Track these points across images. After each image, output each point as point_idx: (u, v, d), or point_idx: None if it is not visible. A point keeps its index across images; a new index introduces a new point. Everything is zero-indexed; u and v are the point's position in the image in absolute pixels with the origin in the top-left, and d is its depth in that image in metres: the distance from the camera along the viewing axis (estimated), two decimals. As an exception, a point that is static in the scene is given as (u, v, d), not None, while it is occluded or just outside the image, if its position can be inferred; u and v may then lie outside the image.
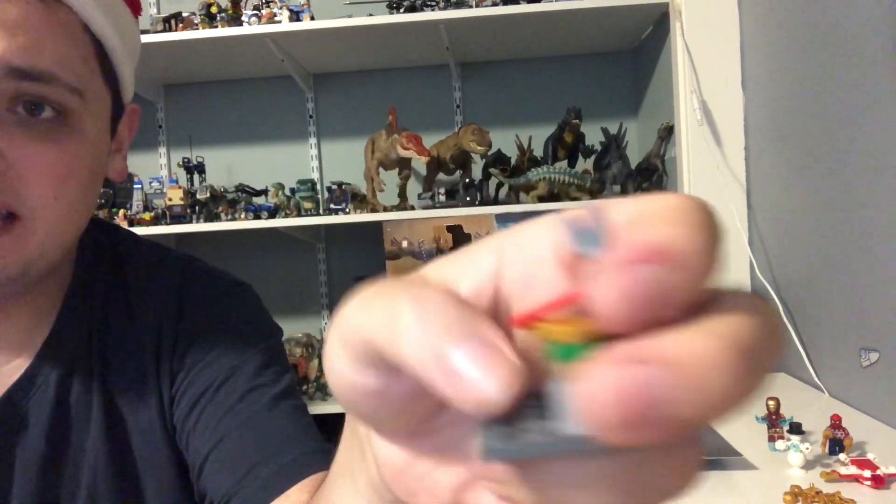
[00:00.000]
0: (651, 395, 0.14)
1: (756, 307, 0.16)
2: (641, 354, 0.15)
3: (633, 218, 0.16)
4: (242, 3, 1.77)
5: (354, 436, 0.26)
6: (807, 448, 0.77)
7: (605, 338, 0.16)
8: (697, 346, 0.15)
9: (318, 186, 2.01)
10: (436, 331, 0.17)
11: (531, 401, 0.17)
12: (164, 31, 1.71)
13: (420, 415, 0.21)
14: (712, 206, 0.17)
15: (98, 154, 0.56)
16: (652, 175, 1.74)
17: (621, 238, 0.16)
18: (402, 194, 1.81)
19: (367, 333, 0.19)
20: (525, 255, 0.19)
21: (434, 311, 0.17)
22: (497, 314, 0.19)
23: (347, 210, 1.76)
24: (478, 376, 0.16)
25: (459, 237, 1.72)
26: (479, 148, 1.70)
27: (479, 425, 0.17)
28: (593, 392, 0.15)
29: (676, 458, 0.17)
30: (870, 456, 0.76)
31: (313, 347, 1.83)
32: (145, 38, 1.64)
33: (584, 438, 0.16)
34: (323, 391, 1.79)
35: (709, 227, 0.16)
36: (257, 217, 1.77)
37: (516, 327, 0.18)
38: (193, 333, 0.62)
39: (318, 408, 1.70)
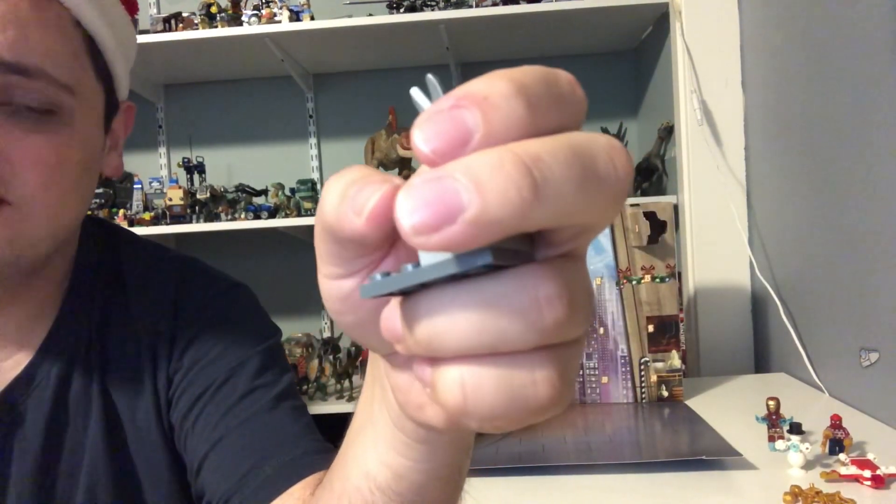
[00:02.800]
0: (452, 195, 0.17)
1: (556, 145, 0.18)
2: (442, 171, 0.17)
3: None
4: (242, 3, 1.77)
5: (375, 380, 0.29)
6: (807, 448, 0.77)
7: None
8: (482, 156, 0.17)
9: (318, 186, 2.01)
10: (342, 183, 0.21)
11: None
12: (164, 31, 1.71)
13: None
14: (544, 72, 0.20)
15: (90, 148, 0.57)
16: (652, 175, 1.74)
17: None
18: (402, 194, 1.81)
19: (316, 224, 0.23)
20: None
21: (344, 174, 0.22)
22: None
23: (347, 210, 1.76)
24: (359, 199, 0.20)
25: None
26: (479, 148, 1.70)
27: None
28: (400, 208, 0.18)
29: (528, 291, 0.19)
30: (870, 456, 0.76)
31: (313, 347, 1.83)
32: (145, 38, 1.65)
33: (435, 266, 0.19)
34: (323, 391, 1.79)
35: (515, 79, 0.18)
36: (257, 217, 1.77)
37: None
38: (191, 333, 0.62)
39: (318, 408, 1.70)
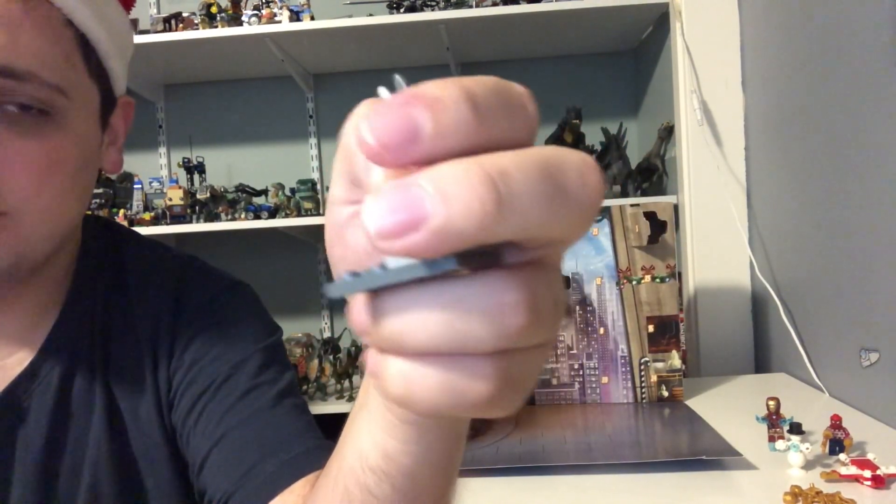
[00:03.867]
0: (418, 205, 0.17)
1: (521, 160, 0.19)
2: (410, 180, 0.18)
3: None
4: (242, 3, 1.77)
5: None
6: (807, 448, 0.77)
7: None
8: (450, 167, 0.18)
9: (318, 186, 2.01)
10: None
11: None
12: (164, 31, 1.71)
13: None
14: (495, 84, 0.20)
15: (86, 147, 0.57)
16: (652, 175, 1.74)
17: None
18: (402, 194, 1.81)
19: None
20: None
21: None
22: None
23: (347, 210, 1.76)
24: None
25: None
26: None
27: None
28: (366, 212, 0.18)
29: (492, 297, 0.19)
30: (870, 456, 0.76)
31: (313, 347, 1.83)
32: (145, 38, 1.65)
33: (400, 270, 0.19)
34: (323, 391, 1.79)
35: (466, 86, 0.19)
36: (257, 217, 1.77)
37: None
38: (192, 332, 0.62)
39: (318, 408, 1.70)
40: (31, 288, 0.59)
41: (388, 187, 0.18)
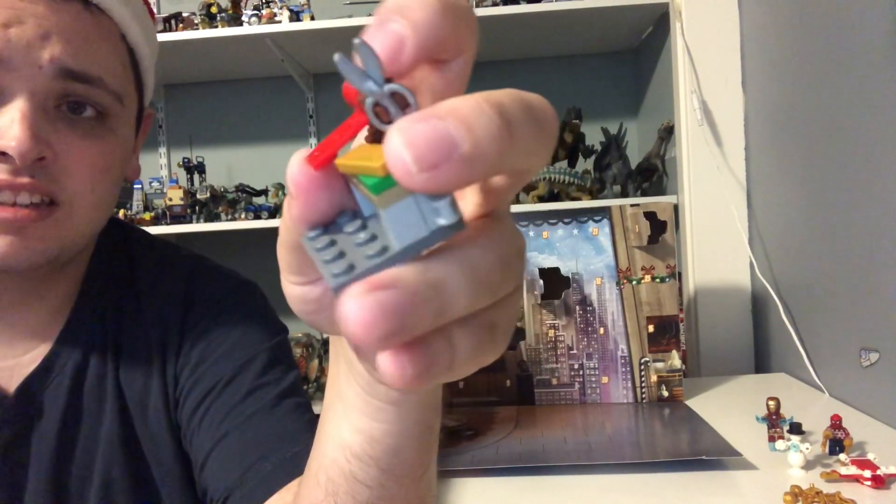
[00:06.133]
0: (447, 134, 0.17)
1: (510, 95, 0.20)
2: (430, 112, 0.18)
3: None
4: (242, 3, 1.77)
5: (339, 356, 0.31)
6: (807, 448, 0.77)
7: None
8: (463, 100, 0.18)
9: (318, 186, 2.01)
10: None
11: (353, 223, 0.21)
12: (164, 31, 1.71)
13: None
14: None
15: (126, 153, 0.61)
16: (652, 175, 1.74)
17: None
18: (402, 194, 1.81)
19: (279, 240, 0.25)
20: None
21: None
22: None
23: (347, 210, 1.76)
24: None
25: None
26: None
27: (320, 267, 0.21)
28: (397, 146, 0.18)
29: (497, 251, 0.21)
30: (870, 456, 0.76)
31: (313, 347, 1.83)
32: (145, 38, 1.65)
33: (401, 252, 0.19)
34: (323, 391, 1.79)
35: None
36: (257, 217, 1.77)
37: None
38: (200, 330, 0.64)
39: (318, 408, 1.69)
40: (53, 284, 0.61)
41: (408, 121, 0.18)
